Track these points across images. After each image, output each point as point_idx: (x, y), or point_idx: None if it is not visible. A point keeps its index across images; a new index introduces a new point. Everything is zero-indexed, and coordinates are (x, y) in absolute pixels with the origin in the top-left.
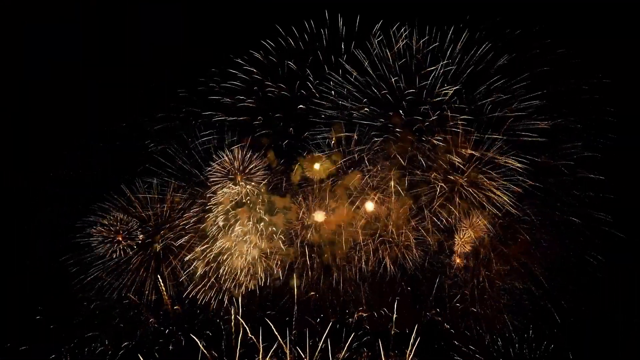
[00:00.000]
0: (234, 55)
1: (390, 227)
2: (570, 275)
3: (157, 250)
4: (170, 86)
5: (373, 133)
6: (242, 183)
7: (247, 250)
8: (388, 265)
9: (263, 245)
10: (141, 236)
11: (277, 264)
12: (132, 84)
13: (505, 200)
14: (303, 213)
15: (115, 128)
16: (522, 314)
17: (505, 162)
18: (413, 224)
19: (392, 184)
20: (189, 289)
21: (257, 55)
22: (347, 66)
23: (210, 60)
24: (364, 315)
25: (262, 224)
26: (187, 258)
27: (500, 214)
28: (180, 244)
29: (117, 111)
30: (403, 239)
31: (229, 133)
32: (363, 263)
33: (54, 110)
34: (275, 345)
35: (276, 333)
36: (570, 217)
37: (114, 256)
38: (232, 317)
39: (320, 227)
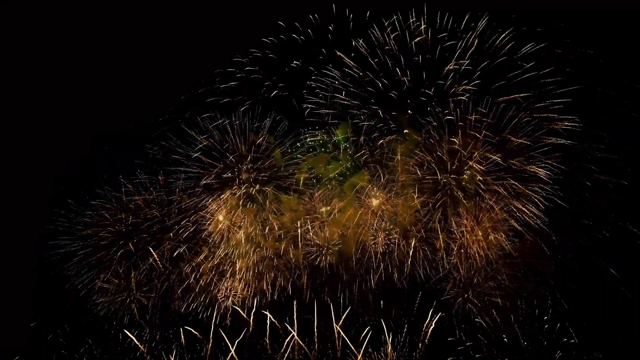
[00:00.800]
0: (236, 54)
1: (398, 230)
2: (578, 279)
3: (165, 252)
4: (174, 87)
5: (379, 134)
6: (248, 183)
7: (254, 251)
8: (394, 270)
9: (269, 250)
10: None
11: (284, 265)
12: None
13: (517, 207)
14: (309, 213)
15: (116, 130)
16: (530, 315)
17: (522, 165)
18: (420, 227)
19: (399, 185)
20: (195, 291)
21: (259, 54)
22: (353, 64)
23: (212, 60)
24: (372, 318)
25: (268, 224)
26: (194, 261)
27: (518, 225)
28: (188, 246)
29: (118, 112)
30: (410, 242)
31: (233, 133)
32: (371, 266)
33: (55, 111)
34: (282, 348)
35: (283, 335)
36: (583, 221)
37: (122, 261)
38: (239, 319)
39: (327, 228)
